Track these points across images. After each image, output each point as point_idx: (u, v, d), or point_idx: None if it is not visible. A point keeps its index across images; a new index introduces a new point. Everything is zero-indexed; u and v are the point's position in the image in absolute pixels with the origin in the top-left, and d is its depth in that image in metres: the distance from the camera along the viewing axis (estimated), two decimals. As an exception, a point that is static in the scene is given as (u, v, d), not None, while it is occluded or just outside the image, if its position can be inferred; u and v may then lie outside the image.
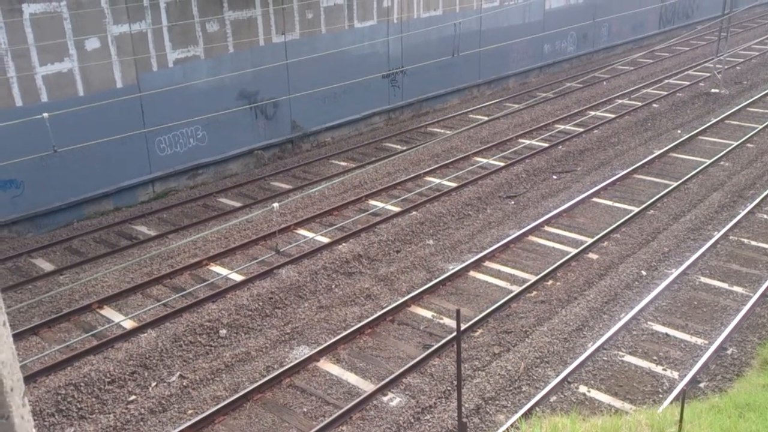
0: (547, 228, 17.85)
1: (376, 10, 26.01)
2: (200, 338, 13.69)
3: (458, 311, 8.88)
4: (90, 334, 13.66)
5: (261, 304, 14.84)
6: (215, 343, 13.58)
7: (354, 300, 14.89)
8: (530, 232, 17.54)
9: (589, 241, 16.82)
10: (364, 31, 25.62)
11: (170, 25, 20.44)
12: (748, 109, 27.36)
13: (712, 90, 29.82)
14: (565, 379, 11.91)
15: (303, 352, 13.09)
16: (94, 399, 12.10)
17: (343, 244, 17.24)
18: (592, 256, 16.37)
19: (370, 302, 14.78)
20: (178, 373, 12.70)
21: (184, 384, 12.35)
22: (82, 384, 12.39)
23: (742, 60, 34.94)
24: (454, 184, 20.35)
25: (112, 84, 19.50)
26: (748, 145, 23.39)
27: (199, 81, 20.82)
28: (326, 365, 12.72)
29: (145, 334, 13.74)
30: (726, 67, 30.09)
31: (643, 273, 15.54)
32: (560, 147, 23.62)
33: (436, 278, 15.43)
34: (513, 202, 19.65)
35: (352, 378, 12.35)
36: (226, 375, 12.58)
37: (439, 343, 12.95)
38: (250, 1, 22.14)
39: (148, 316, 14.09)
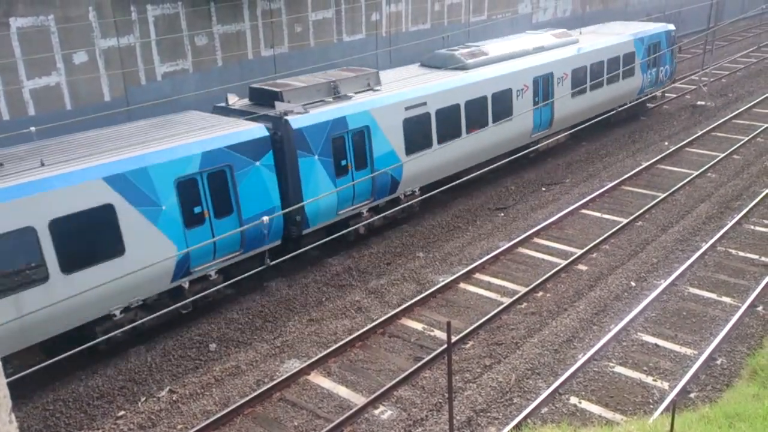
0: (536, 239, 17.91)
1: (364, 23, 26.17)
2: (190, 352, 13.60)
3: (449, 323, 8.88)
4: (77, 349, 13.50)
5: (251, 317, 14.78)
6: (205, 357, 13.49)
7: (344, 313, 14.86)
8: (520, 243, 17.59)
9: (579, 252, 16.89)
10: (353, 44, 25.74)
11: (159, 39, 20.47)
12: (734, 121, 27.66)
13: (698, 102, 30.14)
14: (556, 390, 11.91)
15: (293, 365, 13.02)
16: (82, 414, 11.96)
17: (334, 256, 17.22)
18: (582, 267, 16.44)
19: (360, 315, 14.75)
20: (168, 387, 12.59)
21: (174, 399, 12.24)
22: (70, 399, 12.26)
23: (727, 72, 35.36)
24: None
25: (100, 98, 19.48)
26: (735, 156, 23.63)
27: (188, 94, 20.82)
28: (317, 378, 12.66)
29: (134, 349, 13.64)
30: (711, 79, 30.43)
31: (633, 284, 15.61)
32: (549, 159, 23.76)
33: (426, 290, 15.43)
34: (502, 214, 19.71)
35: (343, 391, 12.29)
36: (216, 389, 12.48)
37: (430, 356, 12.92)
38: (238, 15, 22.22)
39: (135, 330, 13.97)
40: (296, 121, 15.06)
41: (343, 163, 16.23)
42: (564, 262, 16.39)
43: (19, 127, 16.93)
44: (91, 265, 12.02)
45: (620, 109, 24.82)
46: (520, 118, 20.95)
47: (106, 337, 11.10)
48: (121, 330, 11.01)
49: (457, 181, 15.74)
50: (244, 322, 14.58)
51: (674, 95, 31.04)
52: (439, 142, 18.32)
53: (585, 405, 11.66)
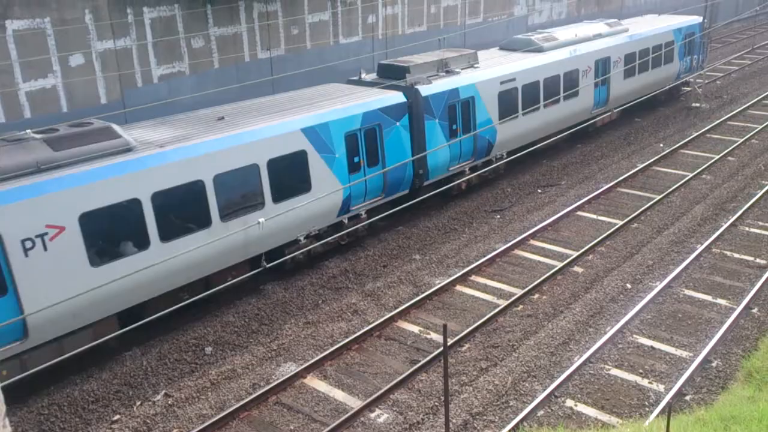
0: (532, 242, 17.94)
1: (361, 26, 26.19)
2: (186, 356, 13.59)
3: (445, 326, 8.87)
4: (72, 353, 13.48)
5: (247, 320, 14.77)
6: (201, 360, 13.48)
7: (341, 315, 14.86)
8: (516, 246, 17.62)
9: (575, 254, 16.93)
10: (349, 46, 25.76)
11: (155, 41, 20.45)
12: (729, 123, 27.76)
13: (693, 104, 30.23)
14: (552, 393, 11.94)
15: (290, 368, 13.02)
16: (77, 419, 11.94)
17: (330, 259, 17.22)
18: (578, 269, 16.47)
19: (357, 318, 14.75)
20: (164, 391, 12.57)
21: (170, 403, 12.22)
22: (65, 404, 12.24)
23: (721, 74, 35.48)
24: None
25: (97, 100, 19.44)
26: (729, 158, 23.71)
27: (184, 97, 20.79)
28: (313, 382, 12.66)
29: (130, 352, 13.62)
30: (706, 81, 30.50)
31: (628, 286, 15.65)
32: (544, 161, 23.81)
33: (422, 293, 15.44)
34: (499, 216, 19.74)
35: (339, 394, 12.29)
36: (211, 393, 12.47)
37: (426, 359, 12.93)
38: (235, 17, 22.21)
39: (132, 334, 13.95)
40: (424, 90, 18.32)
41: (454, 126, 19.35)
42: (560, 264, 16.42)
43: (15, 129, 16.90)
44: (291, 198, 15.28)
45: (661, 90, 27.64)
46: (585, 95, 24.13)
47: (290, 256, 15.07)
48: (302, 251, 15.50)
49: (531, 149, 17.91)
50: (240, 325, 14.57)
51: (669, 97, 31.11)
52: (524, 114, 21.49)
53: (581, 408, 11.68)
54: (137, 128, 14.64)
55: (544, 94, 22.06)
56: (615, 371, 12.62)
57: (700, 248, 16.98)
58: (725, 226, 18.15)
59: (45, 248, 11.34)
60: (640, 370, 12.63)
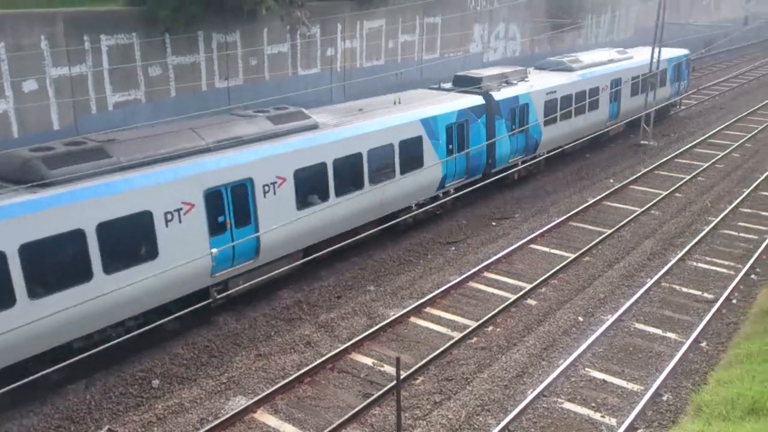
0: (486, 274, 18.04)
1: (319, 58, 26.36)
2: (131, 389, 13.12)
3: (398, 359, 8.80)
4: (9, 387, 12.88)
5: (196, 352, 14.38)
6: (147, 394, 13.02)
7: (293, 347, 14.60)
8: (470, 278, 17.68)
9: (528, 287, 17.07)
10: (307, 78, 25.87)
11: (111, 68, 20.17)
12: (676, 160, 28.67)
13: (642, 142, 31.17)
14: (505, 427, 11.88)
15: (239, 402, 12.67)
16: (13, 457, 11.36)
17: (284, 289, 16.98)
18: (531, 302, 16.59)
19: (310, 350, 14.51)
20: (107, 426, 12.07)
21: (113, 439, 11.75)
22: (0, 441, 11.65)
23: (670, 113, 36.70)
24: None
25: (49, 126, 19.02)
26: (677, 194, 24.41)
27: (139, 125, 20.46)
28: (263, 416, 12.33)
29: (73, 385, 13.09)
30: (654, 120, 31.55)
31: (580, 319, 15.82)
32: (497, 194, 24.12)
33: (377, 324, 15.31)
34: (453, 248, 19.83)
35: (290, 430, 11.99)
36: (158, 428, 12.02)
37: (379, 392, 12.76)
38: (194, 47, 22.11)
39: (76, 366, 13.43)
40: (496, 96, 22.89)
41: (514, 126, 23.61)
42: (514, 297, 16.52)
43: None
44: (410, 173, 19.28)
45: (657, 108, 31.76)
46: (603, 108, 28.90)
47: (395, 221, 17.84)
48: (412, 215, 19.71)
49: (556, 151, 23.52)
50: (189, 358, 14.18)
51: (619, 134, 32.03)
52: (561, 120, 25.93)
53: (534, 441, 11.64)
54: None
55: (575, 105, 26.73)
56: (568, 405, 12.65)
57: (650, 282, 17.32)
58: (674, 260, 18.58)
59: (275, 193, 15.54)
60: (593, 404, 12.69)
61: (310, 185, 16.53)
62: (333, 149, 17.01)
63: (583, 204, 23.02)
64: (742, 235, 20.69)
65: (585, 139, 25.30)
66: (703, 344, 14.72)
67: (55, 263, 11.79)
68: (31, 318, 10.86)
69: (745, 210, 22.81)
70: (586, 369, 13.79)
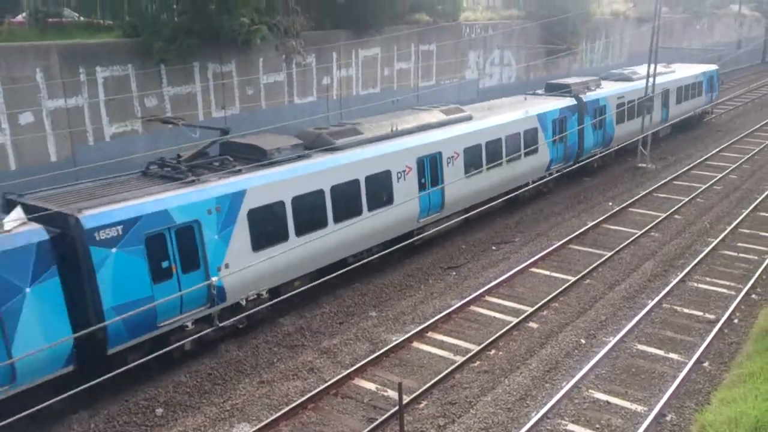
0: (488, 298, 18.03)
1: (315, 87, 26.63)
2: (135, 418, 13.04)
3: (400, 384, 8.78)
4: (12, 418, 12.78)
5: (199, 380, 14.30)
6: (151, 422, 12.94)
7: (296, 374, 14.53)
8: (472, 302, 17.67)
9: (529, 310, 17.05)
10: (303, 106, 26.12)
11: (107, 99, 20.35)
12: (674, 182, 28.83)
13: (640, 165, 31.38)
14: (510, 450, 11.79)
15: (243, 429, 12.59)
16: (13, 489, 11.21)
17: (285, 316, 16.95)
18: (533, 325, 16.56)
19: (312, 376, 14.44)
20: (108, 457, 11.98)
21: (115, 469, 11.63)
22: (1, 473, 11.51)
23: (664, 136, 36.97)
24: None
25: (47, 158, 19.13)
26: (676, 216, 24.51)
27: (137, 155, 20.58)
28: (267, 444, 12.24)
29: (77, 415, 12.99)
30: (651, 143, 31.79)
31: (582, 341, 15.77)
32: (498, 219, 24.20)
33: (379, 350, 15.26)
34: (454, 273, 19.84)
35: (293, 456, 11.89)
36: (160, 458, 11.92)
37: (383, 417, 12.68)
38: (189, 77, 22.35)
39: (79, 395, 13.35)
40: (584, 98, 27.84)
41: (596, 124, 28.42)
42: (515, 320, 16.50)
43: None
44: (528, 156, 24.55)
45: (691, 114, 38.38)
46: (656, 113, 33.72)
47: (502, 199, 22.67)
48: (526, 189, 24.70)
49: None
50: (193, 386, 14.10)
51: (617, 158, 32.25)
52: (627, 120, 31.04)
53: (540, 464, 11.54)
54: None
55: (637, 109, 31.33)
56: (572, 426, 12.58)
57: (651, 303, 17.31)
58: (674, 281, 18.60)
59: (453, 164, 20.98)
60: (597, 425, 12.62)
61: (471, 159, 21.64)
62: (484, 134, 22.38)
63: (582, 227, 23.09)
64: (741, 255, 20.74)
65: (644, 135, 30.57)
66: (706, 364, 14.68)
67: (346, 200, 17.41)
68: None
69: (745, 230, 22.89)
70: (590, 391, 13.73)
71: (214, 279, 13.97)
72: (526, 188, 24.58)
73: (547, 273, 19.64)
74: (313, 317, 17.05)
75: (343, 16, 27.36)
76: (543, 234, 22.95)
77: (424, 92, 31.03)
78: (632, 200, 26.06)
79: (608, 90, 30.14)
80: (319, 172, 16.66)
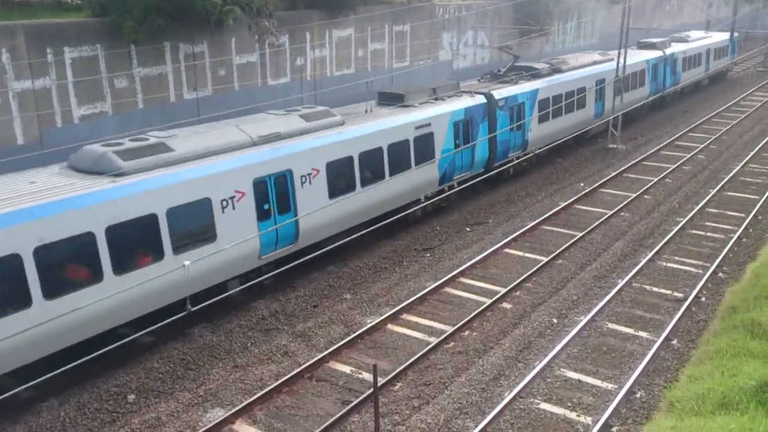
0: (462, 279, 18.16)
1: (289, 68, 26.33)
2: (107, 405, 12.94)
3: (375, 366, 8.83)
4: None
5: (172, 365, 14.23)
6: (123, 409, 12.86)
7: (271, 358, 14.53)
8: (446, 283, 17.78)
9: (503, 291, 17.22)
10: (277, 88, 25.83)
11: (76, 81, 19.92)
12: (644, 163, 29.19)
13: (611, 145, 31.69)
14: (484, 429, 11.96)
15: (217, 414, 12.57)
16: (-15, 478, 11.11)
17: (259, 300, 16.91)
18: (506, 305, 16.74)
19: (287, 359, 14.46)
20: (81, 444, 11.90)
21: (88, 456, 11.57)
22: (-29, 462, 11.40)
23: (635, 116, 37.36)
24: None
25: (13, 140, 18.68)
26: (646, 196, 24.85)
27: (107, 137, 20.23)
28: (242, 427, 12.25)
29: (46, 403, 12.86)
30: (621, 124, 32.13)
31: (554, 321, 16.00)
32: (471, 201, 24.31)
33: (354, 332, 15.32)
34: (429, 255, 19.93)
35: (269, 440, 11.93)
36: (134, 444, 11.88)
37: (358, 399, 12.76)
38: (160, 58, 21.94)
39: (49, 382, 13.20)
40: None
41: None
42: (489, 301, 16.66)
43: None
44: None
45: (720, 70, 49.73)
46: (697, 70, 43.82)
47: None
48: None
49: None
50: (165, 371, 14.03)
51: (588, 139, 32.54)
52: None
53: (512, 443, 11.73)
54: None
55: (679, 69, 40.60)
56: (544, 405, 12.79)
57: (621, 283, 17.59)
58: (644, 261, 18.90)
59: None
60: (569, 404, 12.84)
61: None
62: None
63: (554, 208, 23.31)
64: (709, 234, 21.14)
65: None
66: (674, 342, 15.00)
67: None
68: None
69: (712, 210, 23.31)
70: (562, 369, 13.95)
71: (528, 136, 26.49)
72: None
73: (521, 254, 19.82)
74: (287, 300, 17.02)
75: (317, -4, 27.03)
76: (516, 215, 23.13)
77: (398, 73, 30.87)
78: (603, 181, 26.34)
79: (646, 57, 34.65)
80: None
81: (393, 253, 19.97)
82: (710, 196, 24.44)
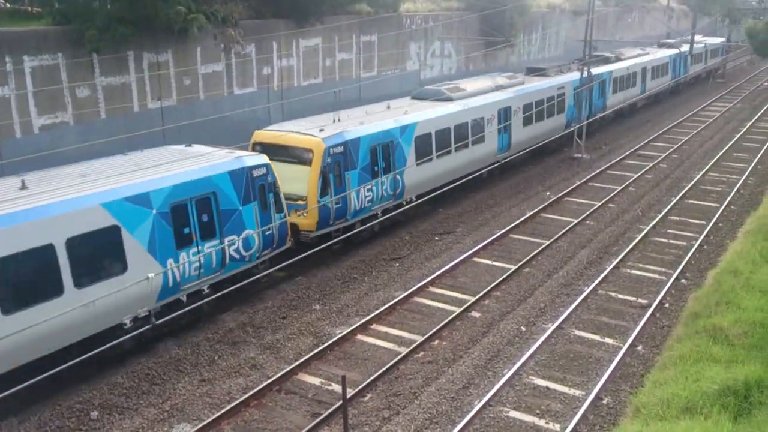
0: (431, 288, 18.18)
1: (256, 77, 26.19)
2: (69, 422, 12.60)
3: (343, 377, 8.76)
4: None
5: (137, 381, 13.94)
6: (86, 426, 12.53)
7: (238, 371, 14.33)
8: (415, 293, 17.78)
9: (472, 299, 17.29)
10: (243, 97, 25.66)
11: (36, 91, 19.51)
12: (608, 172, 29.67)
13: (576, 155, 32.15)
14: (454, 439, 11.94)
15: (184, 430, 12.34)
16: (-60, 501, 10.72)
17: (227, 312, 16.68)
18: (475, 314, 16.80)
19: (255, 372, 14.27)
20: (42, 463, 11.56)
21: (49, 475, 11.24)
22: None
23: (597, 126, 37.99)
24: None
25: (-29, 150, 18.21)
26: (610, 205, 25.24)
27: (68, 148, 19.81)
28: (209, 443, 12.04)
29: (5, 422, 12.47)
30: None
31: (523, 329, 16.10)
32: (440, 210, 24.40)
33: (323, 343, 15.20)
34: (398, 264, 19.92)
35: (237, 454, 11.75)
36: (97, 461, 11.58)
37: (327, 412, 12.65)
38: (123, 67, 21.63)
39: (7, 401, 12.81)
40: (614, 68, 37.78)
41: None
42: (458, 310, 16.70)
43: None
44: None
45: (712, 67, 57.08)
46: (640, 85, 43.24)
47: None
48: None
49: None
50: (129, 387, 13.73)
51: (554, 147, 32.94)
52: (639, 84, 42.33)
53: (482, 452, 11.73)
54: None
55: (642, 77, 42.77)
56: (513, 413, 12.84)
57: (587, 290, 17.80)
58: (609, 268, 19.16)
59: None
60: (537, 411, 12.91)
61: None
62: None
63: (522, 216, 23.52)
64: (672, 242, 21.54)
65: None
66: (639, 348, 15.21)
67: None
68: None
69: (674, 218, 23.77)
70: (530, 377, 14.03)
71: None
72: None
73: (489, 262, 19.93)
74: (255, 312, 16.84)
75: (284, 5, 26.95)
76: (485, 224, 23.28)
77: (366, 83, 30.93)
78: (569, 189, 26.69)
79: (622, 64, 40.04)
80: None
81: (362, 263, 19.91)
82: (672, 204, 24.93)
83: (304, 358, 14.49)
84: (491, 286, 18.02)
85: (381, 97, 30.35)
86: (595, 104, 35.12)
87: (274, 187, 16.87)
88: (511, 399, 13.28)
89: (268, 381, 13.64)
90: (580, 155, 32.06)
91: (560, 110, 32.01)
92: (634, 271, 19.30)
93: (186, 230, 14.68)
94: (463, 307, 16.86)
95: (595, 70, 34.42)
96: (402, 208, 19.64)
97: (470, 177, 22.47)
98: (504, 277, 18.60)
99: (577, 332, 15.91)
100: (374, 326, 16.18)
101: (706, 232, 22.07)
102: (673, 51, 47.97)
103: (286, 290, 18.03)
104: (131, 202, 13.56)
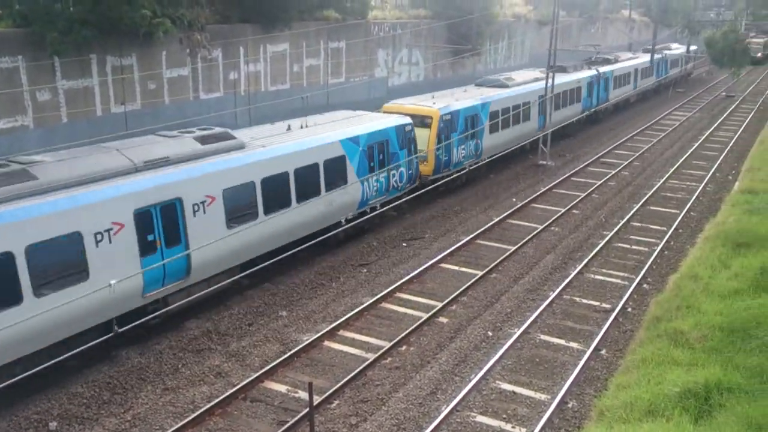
0: (399, 294, 18.18)
1: (222, 82, 25.98)
2: (26, 434, 12.25)
3: (310, 384, 8.69)
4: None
5: (98, 390, 13.64)
6: (44, 437, 12.20)
7: (203, 379, 14.12)
8: (383, 299, 17.76)
9: (439, 305, 17.33)
10: (209, 102, 25.42)
11: (-5, 93, 19.06)
12: (572, 179, 30.10)
13: (540, 162, 32.55)
14: (421, 444, 11.93)
15: (147, 439, 12.10)
16: None
17: (191, 319, 16.44)
18: (443, 319, 16.84)
19: (220, 380, 14.08)
20: (-1, 476, 11.23)
21: (6, 488, 10.91)
22: None
23: (561, 133, 38.55)
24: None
25: (-75, 154, 17.67)
26: (574, 211, 25.59)
27: (28, 152, 19.35)
28: (173, 452, 11.82)
29: (-42, 434, 12.10)
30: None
31: (490, 334, 16.19)
32: (408, 216, 24.45)
33: (290, 350, 15.07)
34: (365, 270, 19.88)
35: (201, 463, 11.55)
36: (56, 473, 11.28)
37: (294, 419, 12.53)
38: (86, 70, 21.26)
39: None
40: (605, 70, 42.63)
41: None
42: (426, 316, 16.72)
43: None
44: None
45: (684, 74, 65.00)
46: (631, 85, 49.60)
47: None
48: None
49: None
50: (90, 396, 13.42)
51: (519, 154, 33.32)
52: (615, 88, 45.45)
53: (449, 457, 11.74)
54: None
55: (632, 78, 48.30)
56: (480, 418, 12.88)
57: (553, 295, 17.99)
58: (573, 273, 19.41)
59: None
60: (504, 415, 12.98)
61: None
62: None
63: (488, 222, 23.70)
64: (634, 247, 21.92)
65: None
66: (603, 352, 15.41)
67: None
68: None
69: (636, 224, 24.20)
70: (497, 382, 14.11)
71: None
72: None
73: (456, 268, 20.02)
74: (220, 319, 16.63)
75: (251, 10, 26.81)
76: (452, 230, 23.39)
77: (333, 89, 30.91)
78: (534, 196, 26.99)
79: (618, 66, 46.02)
80: None
81: (329, 268, 19.83)
82: (634, 210, 25.38)
83: (271, 366, 14.34)
84: (458, 291, 18.10)
85: (348, 103, 30.42)
86: (600, 96, 42.23)
87: (414, 141, 23.35)
88: (478, 404, 13.33)
89: (234, 389, 13.46)
90: (545, 162, 32.46)
91: (578, 99, 38.75)
92: (597, 277, 19.58)
93: (373, 163, 21.41)
94: (431, 312, 16.90)
95: (601, 70, 41.91)
96: (366, 216, 21.42)
97: (517, 147, 29.90)
98: (471, 282, 18.70)
99: (543, 337, 16.06)
100: (342, 332, 16.11)
101: (666, 238, 22.51)
102: (658, 56, 54.93)
103: (252, 297, 17.85)
104: (351, 141, 20.49)
